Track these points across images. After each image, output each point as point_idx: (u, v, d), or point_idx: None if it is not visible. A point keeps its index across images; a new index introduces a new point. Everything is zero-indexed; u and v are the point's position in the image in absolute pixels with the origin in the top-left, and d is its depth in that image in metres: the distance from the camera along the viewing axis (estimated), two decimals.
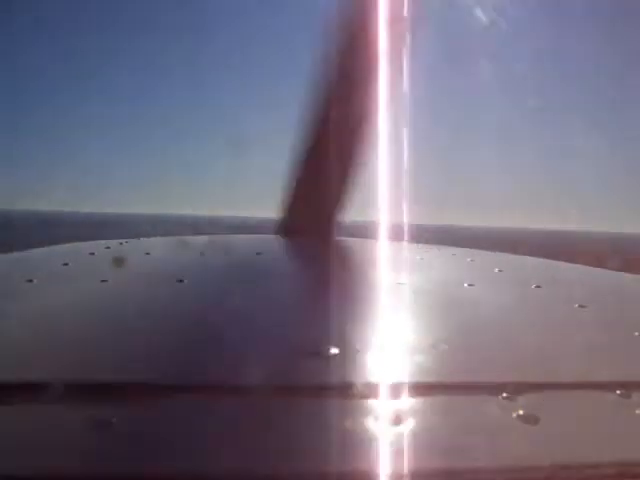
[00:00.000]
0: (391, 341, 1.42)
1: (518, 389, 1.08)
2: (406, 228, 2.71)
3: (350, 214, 3.26)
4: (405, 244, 2.85)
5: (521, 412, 1.00)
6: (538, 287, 2.06)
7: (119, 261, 2.30)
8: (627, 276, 2.62)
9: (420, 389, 1.09)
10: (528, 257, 3.38)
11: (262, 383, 1.04)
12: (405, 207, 2.50)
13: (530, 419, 0.99)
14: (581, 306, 1.76)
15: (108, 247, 2.92)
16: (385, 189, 2.65)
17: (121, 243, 3.07)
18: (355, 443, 0.92)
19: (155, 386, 1.07)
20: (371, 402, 1.03)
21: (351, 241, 3.36)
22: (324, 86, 3.03)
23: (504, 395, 1.06)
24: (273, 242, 3.27)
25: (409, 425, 0.96)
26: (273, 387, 1.05)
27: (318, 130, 3.09)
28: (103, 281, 1.89)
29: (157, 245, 3.28)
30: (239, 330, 1.41)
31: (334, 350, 1.22)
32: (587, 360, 1.32)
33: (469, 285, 2.07)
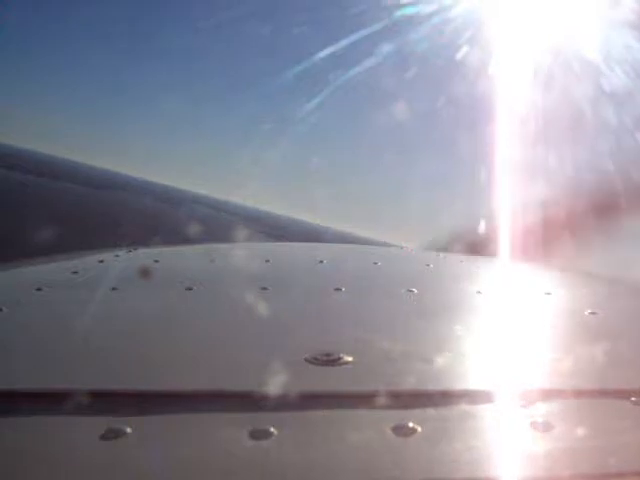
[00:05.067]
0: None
1: (532, 397, 1.07)
2: None
3: None
4: None
5: (536, 420, 1.00)
6: None
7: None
8: None
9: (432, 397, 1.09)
10: None
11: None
12: None
13: (545, 427, 0.98)
14: None
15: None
16: None
17: None
18: (367, 453, 0.91)
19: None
20: (382, 412, 1.03)
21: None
22: None
23: (521, 403, 1.06)
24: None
25: (423, 434, 0.95)
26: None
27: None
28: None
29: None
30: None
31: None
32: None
33: None
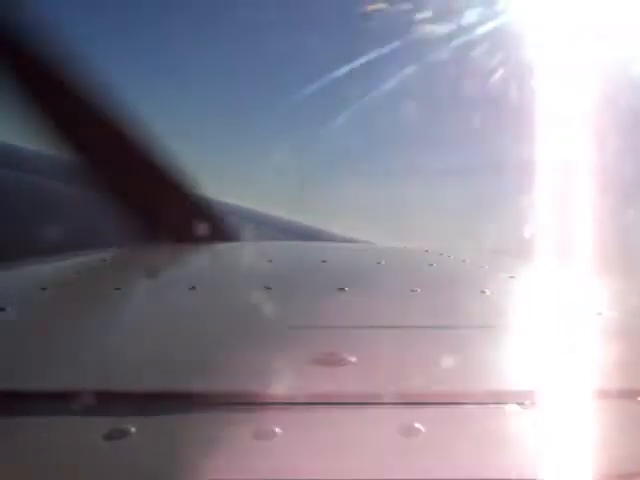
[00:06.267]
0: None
1: (533, 397, 1.07)
2: None
3: None
4: None
5: (542, 420, 0.99)
6: None
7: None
8: None
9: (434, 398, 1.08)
10: None
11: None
12: None
13: (551, 427, 0.98)
14: None
15: None
16: None
17: None
18: (371, 454, 0.91)
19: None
20: (386, 412, 1.02)
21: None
22: None
23: (521, 403, 1.05)
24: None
25: (428, 434, 0.95)
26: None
27: None
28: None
29: None
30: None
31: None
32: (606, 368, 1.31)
33: None
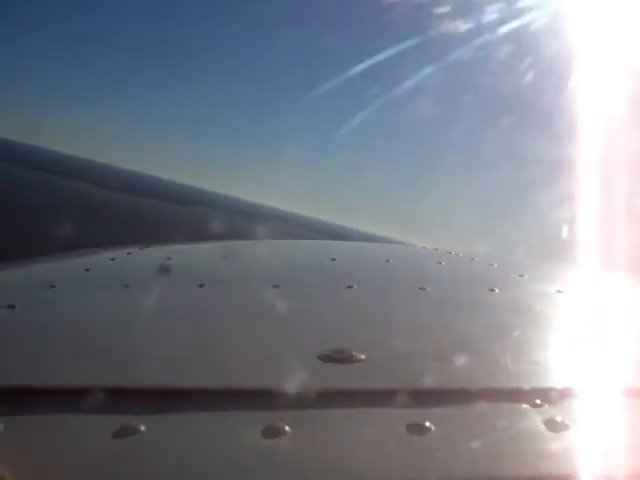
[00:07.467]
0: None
1: (548, 396, 1.06)
2: None
3: None
4: None
5: (551, 419, 0.99)
6: None
7: None
8: None
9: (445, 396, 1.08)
10: None
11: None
12: None
13: (559, 426, 0.97)
14: None
15: None
16: None
17: None
18: (380, 452, 0.91)
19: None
20: (395, 410, 1.02)
21: None
22: None
23: (535, 402, 1.05)
24: None
25: (437, 432, 0.94)
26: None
27: None
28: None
29: None
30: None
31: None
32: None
33: None
